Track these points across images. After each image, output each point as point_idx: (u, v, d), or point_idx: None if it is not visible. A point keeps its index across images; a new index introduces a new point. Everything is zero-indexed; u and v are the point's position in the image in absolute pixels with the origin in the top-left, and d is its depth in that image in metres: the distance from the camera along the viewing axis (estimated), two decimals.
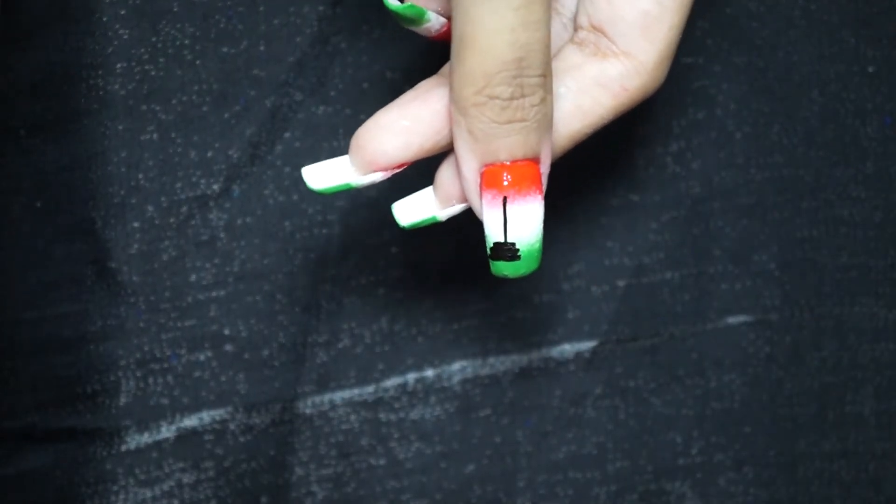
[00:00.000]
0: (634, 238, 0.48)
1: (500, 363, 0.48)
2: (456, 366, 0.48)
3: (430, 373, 0.48)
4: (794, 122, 0.48)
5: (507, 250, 0.36)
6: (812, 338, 0.49)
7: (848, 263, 0.49)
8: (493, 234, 0.36)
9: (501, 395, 0.48)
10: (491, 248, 0.37)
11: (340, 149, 0.46)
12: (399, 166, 0.37)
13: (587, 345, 0.48)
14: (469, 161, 0.36)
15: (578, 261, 0.48)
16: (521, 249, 0.36)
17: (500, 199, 0.36)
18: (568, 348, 0.48)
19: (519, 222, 0.36)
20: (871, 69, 0.48)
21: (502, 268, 0.37)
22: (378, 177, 0.37)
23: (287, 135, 0.46)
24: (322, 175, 0.38)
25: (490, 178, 0.36)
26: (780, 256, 0.49)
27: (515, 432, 0.48)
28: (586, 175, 0.47)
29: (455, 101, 0.35)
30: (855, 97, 0.48)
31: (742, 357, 0.49)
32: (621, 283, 0.48)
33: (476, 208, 0.37)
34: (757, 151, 0.48)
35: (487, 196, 0.36)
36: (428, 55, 0.46)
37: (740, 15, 0.47)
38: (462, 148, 0.36)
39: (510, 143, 0.35)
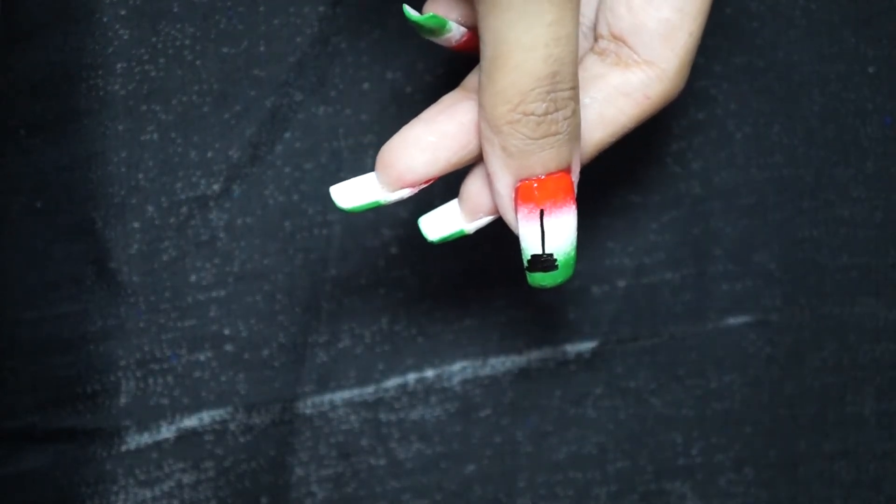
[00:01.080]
0: (634, 238, 0.48)
1: (500, 363, 0.48)
2: (456, 366, 0.48)
3: (430, 373, 0.48)
4: (794, 122, 0.48)
5: (544, 261, 0.37)
6: (812, 338, 0.49)
7: (848, 263, 0.49)
8: (531, 247, 0.36)
9: (501, 395, 0.48)
10: (528, 261, 0.37)
11: (340, 149, 0.46)
12: (426, 181, 0.37)
13: (587, 345, 0.48)
14: (503, 177, 0.36)
15: (578, 261, 0.48)
16: (558, 259, 0.36)
17: (537, 212, 0.36)
18: (568, 348, 0.48)
19: (556, 233, 0.36)
20: (871, 69, 0.48)
21: (540, 279, 0.37)
22: (406, 193, 0.37)
23: (287, 135, 0.46)
24: (350, 194, 0.37)
25: (525, 192, 0.36)
26: (780, 256, 0.49)
27: (515, 432, 0.48)
28: (586, 175, 0.47)
29: (487, 119, 0.35)
30: (855, 97, 0.48)
31: (742, 357, 0.49)
32: (621, 284, 0.48)
33: (511, 223, 0.37)
34: (757, 151, 0.48)
35: (523, 210, 0.36)
36: (429, 56, 0.46)
37: (740, 15, 0.47)
38: (495, 164, 0.36)
39: (545, 158, 0.35)
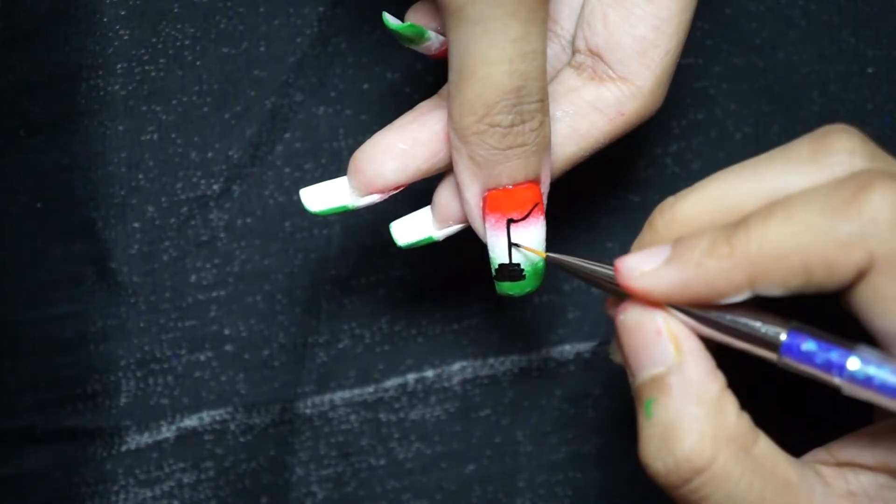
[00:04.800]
0: (634, 238, 0.48)
1: (500, 363, 0.48)
2: (456, 366, 0.48)
3: (430, 373, 0.48)
4: (794, 122, 0.48)
5: (511, 270, 0.37)
6: None
7: None
8: (498, 257, 0.37)
9: (501, 395, 0.48)
10: (496, 270, 0.37)
11: (340, 149, 0.46)
12: (396, 188, 0.37)
13: (587, 345, 0.48)
14: (471, 186, 0.36)
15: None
16: (525, 269, 0.37)
17: (504, 222, 0.36)
18: (568, 348, 0.48)
19: (522, 243, 0.37)
20: (870, 69, 0.48)
21: (507, 288, 0.38)
22: (375, 198, 0.38)
23: (287, 135, 0.46)
24: (320, 197, 0.38)
25: (493, 202, 0.36)
26: None
27: (515, 432, 0.48)
28: (586, 176, 0.47)
29: (455, 129, 0.35)
30: (855, 97, 0.48)
31: (742, 357, 0.49)
32: None
33: (479, 232, 0.37)
34: (757, 151, 0.48)
35: (491, 220, 0.36)
36: (427, 57, 0.46)
37: (740, 15, 0.47)
38: (463, 174, 0.36)
39: (511, 168, 0.35)
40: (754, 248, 0.31)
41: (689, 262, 0.32)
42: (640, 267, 0.33)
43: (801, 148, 0.33)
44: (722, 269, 0.31)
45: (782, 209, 0.31)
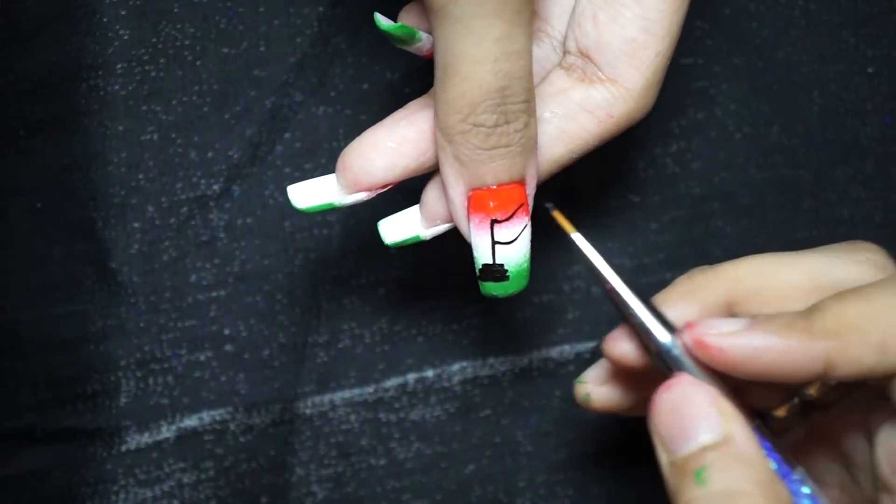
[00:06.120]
0: (634, 238, 0.48)
1: (500, 363, 0.48)
2: (456, 366, 0.48)
3: (430, 373, 0.48)
4: (794, 122, 0.48)
5: (495, 271, 0.37)
6: None
7: None
8: (482, 257, 0.37)
9: (501, 395, 0.48)
10: (480, 270, 0.37)
11: (340, 149, 0.46)
12: (384, 186, 0.37)
13: (587, 345, 0.48)
14: (456, 186, 0.36)
15: (578, 261, 0.48)
16: (509, 270, 0.37)
17: (488, 222, 0.36)
18: (568, 348, 0.48)
19: (506, 244, 0.37)
20: (870, 69, 0.48)
21: (491, 288, 0.38)
22: (362, 196, 0.38)
23: (287, 135, 0.46)
24: (307, 194, 0.38)
25: (477, 201, 0.36)
26: None
27: (515, 432, 0.48)
28: (586, 176, 0.47)
29: (440, 128, 0.35)
30: (855, 97, 0.48)
31: None
32: None
33: (464, 231, 0.37)
34: (757, 151, 0.48)
35: (475, 219, 0.36)
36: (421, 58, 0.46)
37: (740, 15, 0.47)
38: (448, 173, 0.36)
39: (496, 168, 0.35)
40: (832, 323, 0.32)
41: (768, 331, 0.33)
42: (720, 328, 0.33)
43: (835, 245, 0.36)
44: (801, 341, 0.32)
45: (856, 292, 0.32)
